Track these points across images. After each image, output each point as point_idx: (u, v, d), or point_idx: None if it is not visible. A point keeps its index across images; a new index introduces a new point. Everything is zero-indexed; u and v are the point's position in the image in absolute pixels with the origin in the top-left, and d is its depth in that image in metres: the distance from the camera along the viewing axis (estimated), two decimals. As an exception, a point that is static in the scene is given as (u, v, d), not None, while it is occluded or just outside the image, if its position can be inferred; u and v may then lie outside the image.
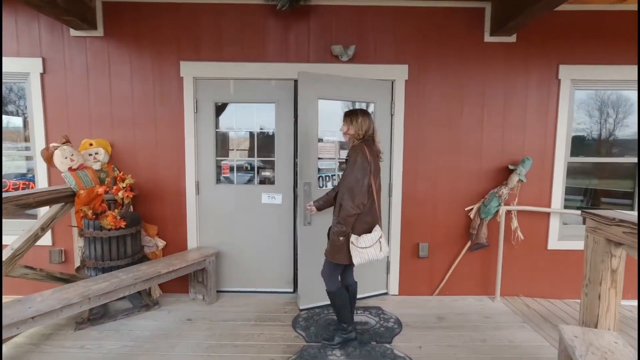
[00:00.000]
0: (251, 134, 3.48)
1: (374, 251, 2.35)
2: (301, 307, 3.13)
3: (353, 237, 2.33)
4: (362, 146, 2.32)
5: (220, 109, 3.47)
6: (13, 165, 3.52)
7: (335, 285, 2.49)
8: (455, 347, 2.62)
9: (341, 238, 2.33)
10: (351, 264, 2.40)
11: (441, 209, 3.44)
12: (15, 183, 3.50)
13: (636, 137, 3.45)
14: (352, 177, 2.26)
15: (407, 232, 3.45)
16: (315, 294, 3.12)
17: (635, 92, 3.39)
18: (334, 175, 3.20)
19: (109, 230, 2.81)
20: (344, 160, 3.25)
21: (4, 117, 3.40)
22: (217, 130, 3.40)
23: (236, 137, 3.52)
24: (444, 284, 3.49)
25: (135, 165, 3.35)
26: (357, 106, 3.15)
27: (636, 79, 3.29)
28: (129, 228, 2.92)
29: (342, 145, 3.25)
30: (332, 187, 3.07)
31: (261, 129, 3.47)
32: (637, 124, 3.39)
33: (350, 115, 2.41)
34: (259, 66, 3.27)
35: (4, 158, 3.46)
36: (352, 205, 2.24)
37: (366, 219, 2.37)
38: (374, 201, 2.38)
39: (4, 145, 3.42)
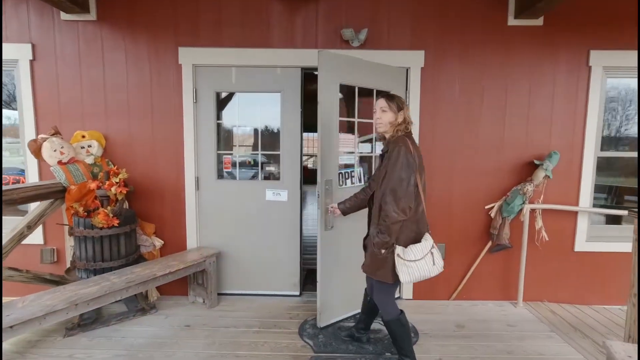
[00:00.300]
0: (255, 129, 3.25)
1: (426, 265, 1.92)
2: (322, 325, 2.69)
3: (399, 249, 1.93)
4: (404, 138, 1.93)
5: (222, 103, 3.25)
6: (16, 160, 3.30)
7: (394, 311, 2.09)
8: (479, 359, 2.37)
9: (383, 251, 1.94)
10: (397, 282, 2.01)
11: (459, 207, 3.18)
12: (5, 178, 3.30)
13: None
14: (395, 176, 1.85)
15: (422, 232, 3.20)
16: (336, 309, 2.80)
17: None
18: (353, 171, 2.87)
19: (101, 228, 2.59)
20: (367, 155, 2.93)
21: (10, 112, 3.19)
22: (218, 122, 3.17)
23: (239, 131, 3.28)
24: (462, 287, 3.24)
25: (130, 159, 3.13)
26: (375, 94, 2.85)
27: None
28: (123, 226, 2.70)
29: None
30: (358, 186, 2.75)
31: (265, 124, 3.24)
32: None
33: (397, 101, 2.01)
34: (262, 52, 3.03)
35: (6, 153, 3.26)
36: (396, 210, 1.84)
37: (412, 227, 1.97)
38: (421, 204, 1.98)
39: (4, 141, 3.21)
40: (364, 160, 2.94)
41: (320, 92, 2.49)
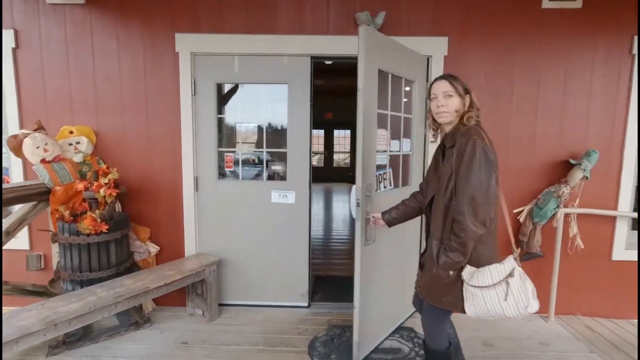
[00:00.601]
0: (259, 124, 2.97)
1: (495, 297, 1.43)
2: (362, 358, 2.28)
3: (466, 270, 1.50)
4: (477, 129, 1.51)
5: (225, 98, 2.98)
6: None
7: (443, 342, 1.70)
8: (514, 386, 2.09)
9: (451, 272, 1.53)
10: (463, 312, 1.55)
11: (484, 210, 2.88)
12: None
13: None
14: (472, 178, 1.42)
15: (442, 238, 2.91)
16: (373, 334, 2.41)
17: None
18: (385, 173, 2.49)
19: (88, 235, 2.32)
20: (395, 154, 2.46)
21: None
22: (219, 116, 2.88)
23: (242, 127, 2.99)
24: (486, 299, 2.94)
25: (123, 157, 2.86)
26: (403, 85, 2.51)
27: None
28: (113, 232, 2.43)
29: (393, 134, 2.51)
30: (392, 190, 2.38)
31: (271, 119, 2.96)
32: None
33: (461, 82, 1.59)
34: (268, 39, 2.74)
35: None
36: (474, 222, 1.42)
37: (487, 242, 1.52)
38: (500, 212, 1.57)
39: None
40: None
41: (361, 78, 2.02)
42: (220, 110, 2.91)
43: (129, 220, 2.72)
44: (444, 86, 1.58)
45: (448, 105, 1.57)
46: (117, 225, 2.48)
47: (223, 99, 3.01)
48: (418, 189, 1.95)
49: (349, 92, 10.62)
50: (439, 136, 1.70)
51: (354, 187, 2.09)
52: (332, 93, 9.68)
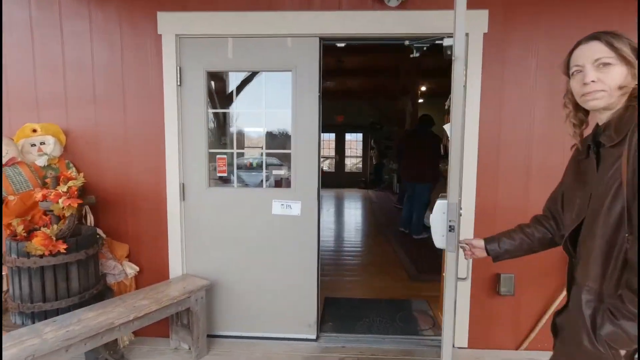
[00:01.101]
0: (259, 121, 2.52)
1: None
2: None
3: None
4: None
5: (228, 99, 2.55)
6: None
7: None
8: None
9: (623, 352, 0.92)
10: None
11: (533, 224, 2.34)
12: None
13: None
14: None
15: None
16: None
17: None
18: None
19: (41, 256, 1.86)
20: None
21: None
22: (211, 111, 2.42)
23: (238, 124, 2.54)
24: (536, 334, 2.39)
25: (97, 159, 2.42)
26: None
27: None
28: (75, 252, 1.96)
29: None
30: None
31: (272, 115, 2.50)
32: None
33: (630, 41, 0.95)
34: (269, 16, 2.27)
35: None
36: None
37: None
38: None
39: None
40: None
41: (460, 40, 1.37)
42: (221, 104, 2.47)
43: (100, 235, 2.26)
44: (596, 50, 0.96)
45: (604, 79, 0.95)
46: (81, 244, 2.01)
47: (227, 98, 2.59)
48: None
49: (361, 94, 10.19)
50: (580, 132, 1.11)
51: (438, 202, 1.43)
52: (343, 95, 9.25)
